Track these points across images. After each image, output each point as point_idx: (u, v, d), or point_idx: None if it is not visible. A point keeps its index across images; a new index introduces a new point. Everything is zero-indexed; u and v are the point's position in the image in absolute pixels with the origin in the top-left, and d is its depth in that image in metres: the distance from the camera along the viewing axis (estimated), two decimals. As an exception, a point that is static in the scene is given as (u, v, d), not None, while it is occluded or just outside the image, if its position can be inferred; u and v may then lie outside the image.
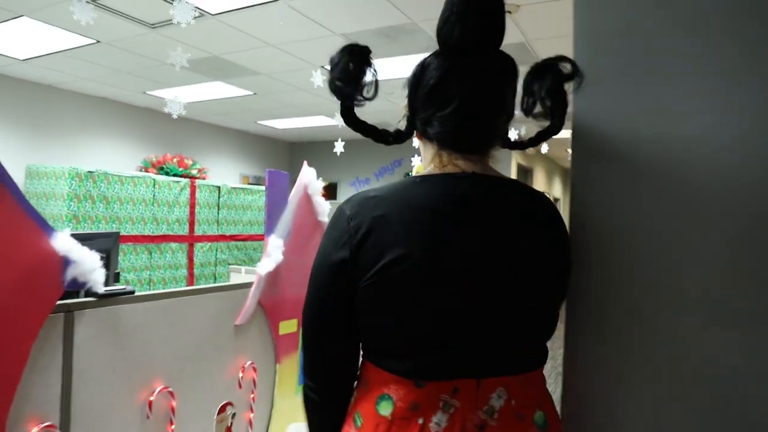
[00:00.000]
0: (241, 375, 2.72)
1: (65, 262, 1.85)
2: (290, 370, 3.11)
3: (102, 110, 6.35)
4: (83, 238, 2.11)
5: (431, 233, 0.99)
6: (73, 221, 4.76)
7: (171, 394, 2.32)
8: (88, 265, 1.95)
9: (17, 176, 5.51)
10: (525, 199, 1.10)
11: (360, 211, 1.05)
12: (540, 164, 10.06)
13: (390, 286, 0.99)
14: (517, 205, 1.07)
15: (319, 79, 2.86)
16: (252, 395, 2.81)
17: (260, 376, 2.87)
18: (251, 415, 2.79)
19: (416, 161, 5.09)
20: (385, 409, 0.98)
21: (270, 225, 2.97)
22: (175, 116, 3.29)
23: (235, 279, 4.89)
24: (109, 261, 2.27)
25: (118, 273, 2.26)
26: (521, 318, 1.02)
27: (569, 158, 1.39)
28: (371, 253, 1.00)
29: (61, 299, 1.90)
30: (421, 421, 0.94)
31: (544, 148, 6.16)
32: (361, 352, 1.13)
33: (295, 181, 3.21)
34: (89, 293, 2.05)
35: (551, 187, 11.38)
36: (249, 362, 2.77)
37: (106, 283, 2.34)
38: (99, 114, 6.35)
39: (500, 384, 0.97)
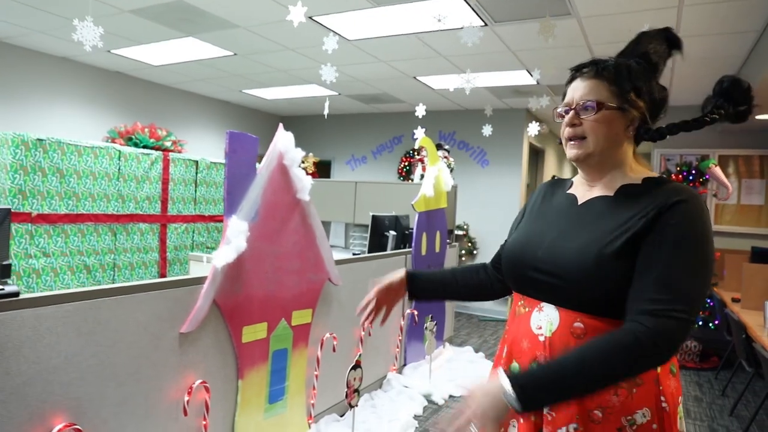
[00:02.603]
0: (187, 398, 2.08)
1: None
2: (257, 386, 2.47)
3: (63, 72, 5.60)
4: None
5: None
6: (18, 196, 4.11)
7: (79, 432, 1.68)
8: (-73, 256, 1.30)
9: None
10: None
11: None
12: (551, 145, 9.36)
13: None
14: None
15: (299, 13, 2.16)
16: (204, 422, 2.17)
17: (215, 398, 2.23)
18: (202, 448, 2.16)
19: (420, 134, 4.41)
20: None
21: (231, 203, 2.30)
22: (88, 48, 2.60)
23: (196, 271, 4.22)
24: (-10, 248, 1.60)
25: (9, 265, 1.61)
26: None
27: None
28: None
29: None
30: None
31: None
32: None
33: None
34: (-56, 296, 1.40)
35: (561, 170, 10.66)
36: (198, 381, 2.13)
37: (-15, 280, 1.70)
38: (59, 77, 5.60)
39: None
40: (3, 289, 1.50)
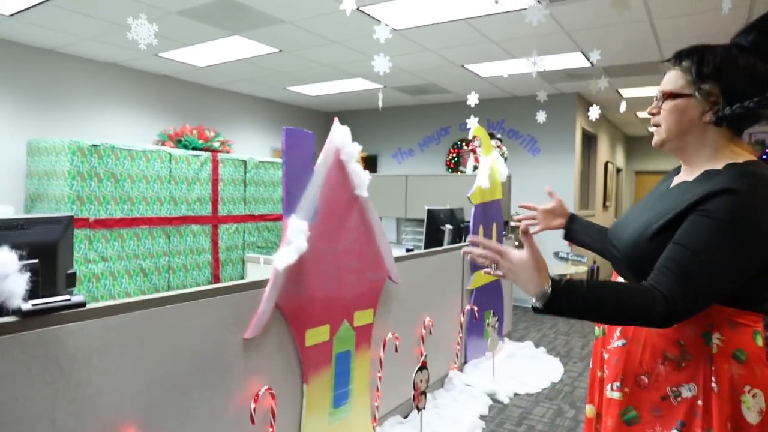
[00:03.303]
0: (253, 406, 2.02)
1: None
2: (322, 390, 2.39)
3: (112, 78, 5.68)
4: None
5: None
6: (76, 202, 4.17)
7: (150, 443, 1.64)
8: (-5, 269, 1.25)
9: (18, 153, 4.97)
10: None
11: None
12: (604, 130, 8.96)
13: None
14: None
15: (350, 2, 2.08)
16: (270, 429, 2.11)
17: (281, 404, 2.16)
18: (270, 456, 2.10)
19: (473, 123, 4.26)
20: (759, 341, 1.22)
21: (290, 202, 2.22)
22: (143, 47, 2.56)
23: (253, 273, 4.18)
24: (55, 258, 1.56)
25: (74, 274, 1.57)
26: None
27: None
28: None
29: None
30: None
31: (622, 106, 5.18)
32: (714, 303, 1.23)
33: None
34: (13, 311, 1.36)
35: (614, 155, 10.21)
36: (264, 387, 2.06)
37: (50, 290, 1.66)
38: (109, 83, 5.68)
39: None
40: (69, 300, 1.45)
